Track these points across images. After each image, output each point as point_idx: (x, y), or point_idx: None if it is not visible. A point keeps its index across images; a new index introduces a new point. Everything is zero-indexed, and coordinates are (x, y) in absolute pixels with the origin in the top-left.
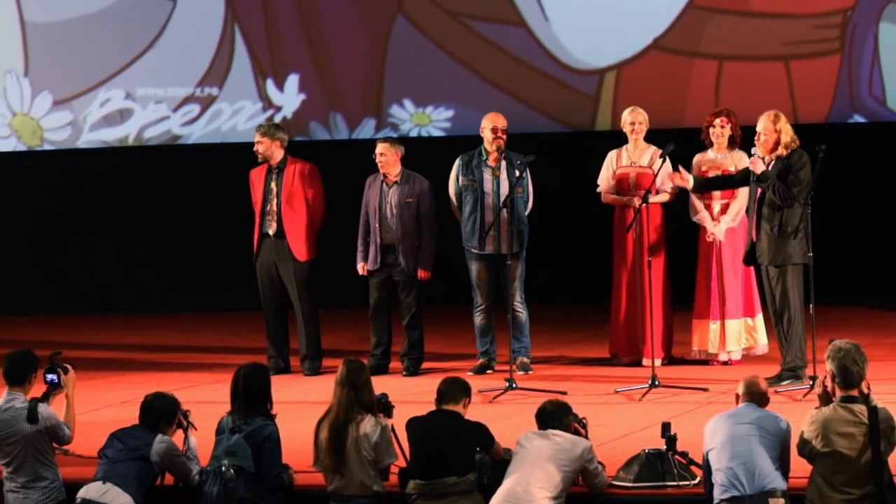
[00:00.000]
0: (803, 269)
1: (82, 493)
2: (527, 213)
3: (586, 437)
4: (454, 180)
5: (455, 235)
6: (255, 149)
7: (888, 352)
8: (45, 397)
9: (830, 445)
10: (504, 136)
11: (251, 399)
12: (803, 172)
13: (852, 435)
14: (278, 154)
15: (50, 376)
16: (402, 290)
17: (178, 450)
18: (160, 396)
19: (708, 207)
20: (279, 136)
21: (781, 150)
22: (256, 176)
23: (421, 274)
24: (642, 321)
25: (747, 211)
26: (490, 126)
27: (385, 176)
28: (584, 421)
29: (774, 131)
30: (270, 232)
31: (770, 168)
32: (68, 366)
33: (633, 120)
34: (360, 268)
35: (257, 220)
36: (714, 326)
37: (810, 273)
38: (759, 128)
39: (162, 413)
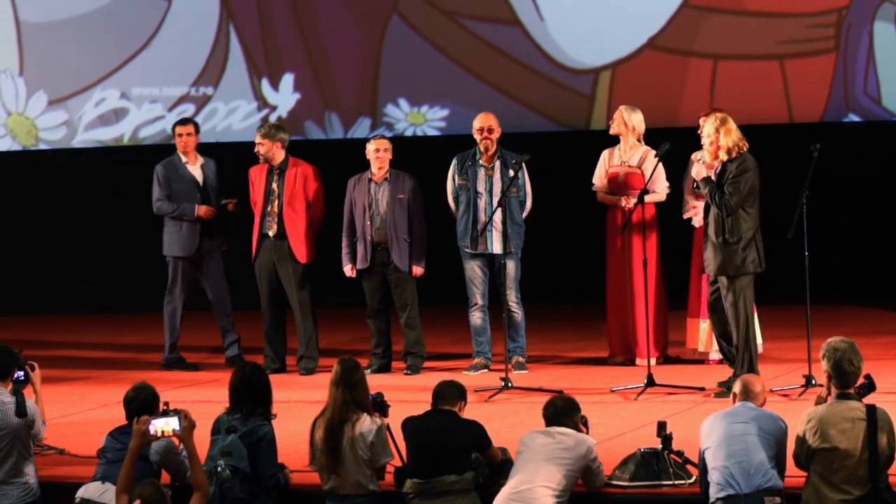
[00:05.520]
0: (754, 278)
1: (81, 492)
2: (525, 213)
3: (587, 434)
4: (451, 180)
5: (451, 234)
6: (255, 150)
7: (883, 350)
8: (17, 393)
9: (829, 441)
10: (491, 136)
11: (251, 400)
12: (743, 180)
13: (851, 430)
14: (279, 155)
15: (18, 373)
16: (397, 288)
17: (177, 448)
18: (137, 389)
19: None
20: (280, 136)
21: (723, 156)
22: (256, 175)
23: (416, 271)
24: (635, 321)
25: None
26: (477, 126)
27: (372, 174)
28: (584, 418)
29: (715, 133)
30: (270, 233)
31: (715, 174)
32: (34, 363)
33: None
34: (348, 270)
35: (256, 220)
36: (704, 325)
37: (806, 273)
38: (703, 132)
39: (144, 406)
